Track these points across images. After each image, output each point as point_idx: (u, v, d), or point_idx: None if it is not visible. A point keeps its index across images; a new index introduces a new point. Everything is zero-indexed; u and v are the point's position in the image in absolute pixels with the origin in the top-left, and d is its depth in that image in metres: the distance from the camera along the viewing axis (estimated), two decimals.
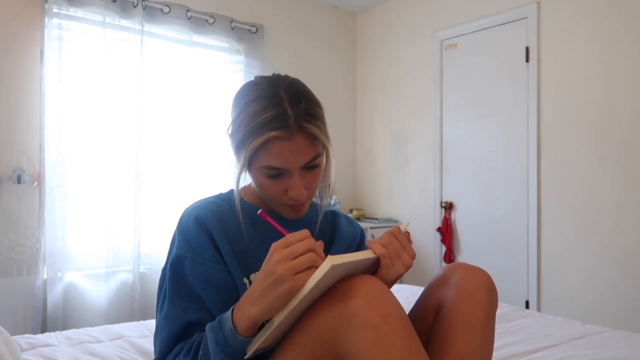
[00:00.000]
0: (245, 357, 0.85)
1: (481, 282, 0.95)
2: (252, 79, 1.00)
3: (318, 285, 0.78)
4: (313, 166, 0.95)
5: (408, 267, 0.91)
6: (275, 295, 0.78)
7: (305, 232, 0.80)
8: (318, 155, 0.95)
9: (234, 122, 0.96)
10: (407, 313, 1.04)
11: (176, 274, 0.95)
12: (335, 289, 0.82)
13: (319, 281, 0.77)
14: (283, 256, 0.78)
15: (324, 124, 0.95)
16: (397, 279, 0.91)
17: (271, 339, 0.86)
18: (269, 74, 1.01)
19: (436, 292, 0.99)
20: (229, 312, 0.85)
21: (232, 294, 0.95)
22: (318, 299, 0.84)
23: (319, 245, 0.81)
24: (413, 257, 0.92)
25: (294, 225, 1.05)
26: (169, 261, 0.97)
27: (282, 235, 0.88)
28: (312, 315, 0.83)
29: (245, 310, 0.81)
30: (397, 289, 2.36)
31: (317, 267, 0.77)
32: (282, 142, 0.90)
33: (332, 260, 0.75)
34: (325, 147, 0.96)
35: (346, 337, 0.78)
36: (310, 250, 0.79)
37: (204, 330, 0.89)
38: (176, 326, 0.92)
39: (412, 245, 0.95)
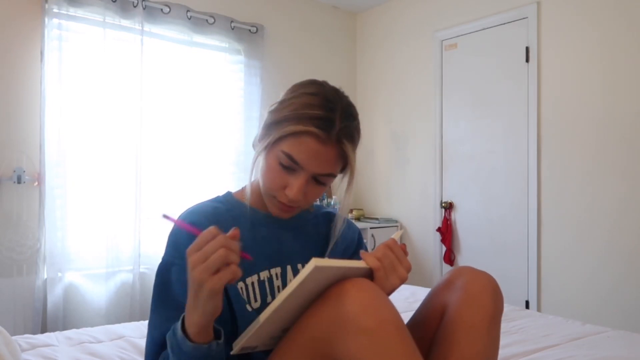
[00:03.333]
0: (232, 353, 0.85)
1: (486, 286, 0.95)
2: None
3: (303, 286, 0.77)
4: (322, 182, 0.95)
5: (403, 280, 0.90)
6: (202, 300, 0.75)
7: (213, 230, 0.76)
8: (333, 175, 0.95)
9: (282, 102, 0.96)
10: (412, 316, 1.04)
11: (163, 280, 0.94)
12: (328, 293, 0.81)
13: (303, 281, 0.76)
14: (196, 261, 0.74)
15: (355, 150, 0.96)
16: (392, 291, 0.90)
17: (259, 339, 0.85)
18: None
19: (441, 295, 0.99)
20: (181, 319, 0.82)
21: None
22: (312, 304, 0.83)
23: (232, 235, 0.77)
24: (409, 269, 0.91)
25: (291, 227, 1.05)
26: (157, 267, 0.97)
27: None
28: (305, 320, 0.83)
29: (189, 317, 0.79)
30: (396, 289, 2.35)
31: (232, 262, 0.74)
32: (315, 141, 0.90)
33: (316, 262, 0.75)
34: (351, 168, 0.96)
35: (340, 342, 0.77)
36: (221, 246, 0.74)
37: None
38: (158, 334, 0.91)
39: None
